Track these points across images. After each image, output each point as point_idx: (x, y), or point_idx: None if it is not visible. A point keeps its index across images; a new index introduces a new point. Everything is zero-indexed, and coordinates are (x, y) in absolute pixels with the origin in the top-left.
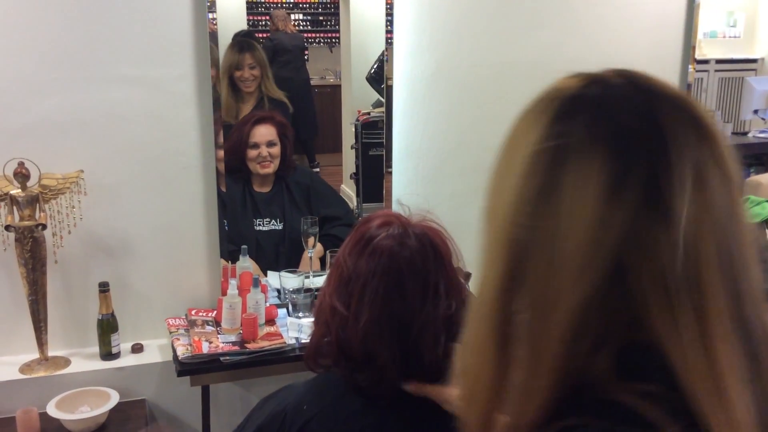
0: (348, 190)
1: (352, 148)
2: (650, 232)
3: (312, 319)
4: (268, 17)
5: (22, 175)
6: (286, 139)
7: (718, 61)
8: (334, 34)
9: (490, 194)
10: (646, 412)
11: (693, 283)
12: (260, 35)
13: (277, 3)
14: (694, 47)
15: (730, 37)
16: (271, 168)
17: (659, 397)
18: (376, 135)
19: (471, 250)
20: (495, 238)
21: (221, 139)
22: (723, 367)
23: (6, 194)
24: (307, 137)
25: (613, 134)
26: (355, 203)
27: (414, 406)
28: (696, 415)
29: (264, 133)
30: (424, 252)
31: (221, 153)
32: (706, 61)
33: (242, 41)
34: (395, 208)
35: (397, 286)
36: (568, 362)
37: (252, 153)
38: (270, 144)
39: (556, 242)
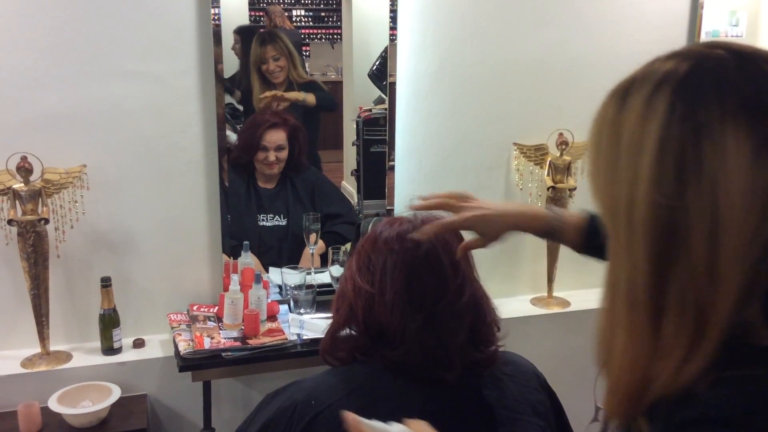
0: (349, 187)
1: (353, 144)
2: None
3: (315, 316)
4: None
5: (24, 170)
6: (296, 141)
7: None
8: (335, 30)
9: (609, 185)
10: None
11: None
12: (262, 31)
13: None
14: None
15: (732, 36)
16: (275, 169)
17: None
18: (377, 132)
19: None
20: (631, 224)
21: (225, 136)
22: None
23: (9, 188)
24: None
25: (745, 104)
26: (356, 200)
27: (428, 395)
28: None
29: (275, 138)
30: (445, 236)
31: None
32: None
33: (264, 34)
34: (403, 209)
35: (422, 258)
36: (733, 320)
37: (260, 155)
38: (279, 148)
39: (714, 215)
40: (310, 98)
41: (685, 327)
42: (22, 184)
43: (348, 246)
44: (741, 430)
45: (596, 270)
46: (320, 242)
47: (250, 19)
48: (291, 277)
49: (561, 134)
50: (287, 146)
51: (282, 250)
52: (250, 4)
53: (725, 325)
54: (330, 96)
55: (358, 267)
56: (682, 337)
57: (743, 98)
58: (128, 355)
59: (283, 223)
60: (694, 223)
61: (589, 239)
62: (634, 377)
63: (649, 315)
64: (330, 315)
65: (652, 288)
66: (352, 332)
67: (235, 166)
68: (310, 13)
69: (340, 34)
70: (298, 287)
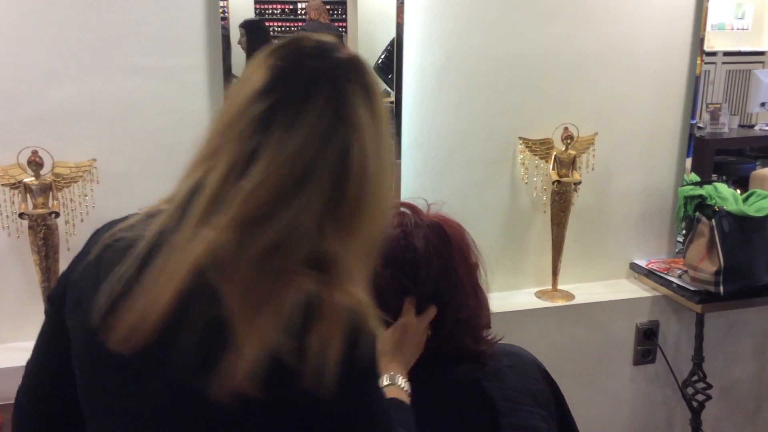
0: None
1: None
2: None
3: None
4: (276, 5)
5: (35, 164)
6: None
7: (726, 54)
8: (341, 23)
9: None
10: None
11: None
12: (269, 23)
13: None
14: (702, 39)
15: (737, 29)
16: None
17: None
18: None
19: (479, 243)
20: None
21: None
22: None
23: (20, 182)
24: None
25: None
26: None
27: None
28: None
29: None
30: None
31: None
32: (713, 53)
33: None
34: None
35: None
36: None
37: None
38: None
39: None
40: None
41: None
42: (33, 178)
43: None
44: None
45: (601, 263)
46: None
47: (255, 13)
48: None
49: (566, 128)
50: None
51: None
52: None
53: None
54: None
55: None
56: None
57: None
58: None
59: None
60: None
61: None
62: None
63: None
64: None
65: None
66: None
67: None
68: None
69: (346, 27)
70: None
